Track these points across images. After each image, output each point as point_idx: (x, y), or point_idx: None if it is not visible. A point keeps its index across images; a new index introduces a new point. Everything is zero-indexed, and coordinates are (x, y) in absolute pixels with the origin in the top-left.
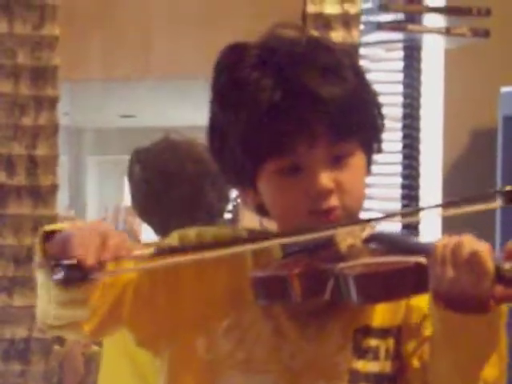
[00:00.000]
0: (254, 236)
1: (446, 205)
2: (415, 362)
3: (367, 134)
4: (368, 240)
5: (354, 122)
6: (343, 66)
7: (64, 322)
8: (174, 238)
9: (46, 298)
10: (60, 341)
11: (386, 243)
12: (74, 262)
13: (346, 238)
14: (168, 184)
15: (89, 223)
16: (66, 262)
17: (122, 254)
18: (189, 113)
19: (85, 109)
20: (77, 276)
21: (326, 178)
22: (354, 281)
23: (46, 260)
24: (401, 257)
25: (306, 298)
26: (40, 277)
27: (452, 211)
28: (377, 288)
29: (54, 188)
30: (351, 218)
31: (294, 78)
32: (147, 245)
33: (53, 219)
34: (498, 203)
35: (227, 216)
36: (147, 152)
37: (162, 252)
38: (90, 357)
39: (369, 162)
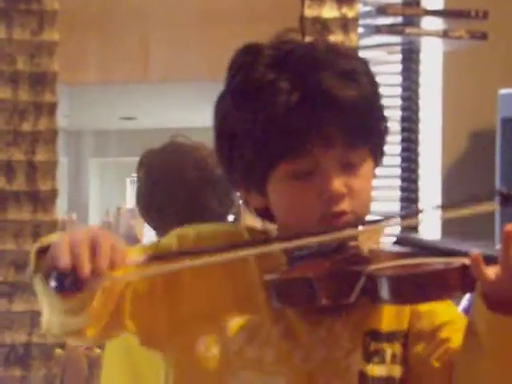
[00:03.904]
0: (257, 239)
1: (448, 206)
2: (435, 363)
3: (377, 141)
4: (389, 243)
5: (368, 128)
6: (359, 72)
7: (67, 330)
8: (172, 237)
9: (47, 308)
10: (61, 344)
11: (409, 245)
12: (67, 271)
13: (366, 241)
14: (170, 188)
15: (84, 230)
16: (58, 271)
17: (115, 261)
18: (189, 114)
19: (85, 111)
20: (71, 285)
21: (338, 182)
22: (393, 282)
23: (41, 270)
24: (434, 258)
25: (332, 300)
26: (38, 287)
27: (453, 213)
28: (418, 289)
29: (53, 193)
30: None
31: (311, 81)
32: (143, 249)
33: (52, 224)
34: (495, 205)
35: (229, 218)
36: (152, 155)
37: (157, 257)
38: (93, 360)
39: (375, 167)
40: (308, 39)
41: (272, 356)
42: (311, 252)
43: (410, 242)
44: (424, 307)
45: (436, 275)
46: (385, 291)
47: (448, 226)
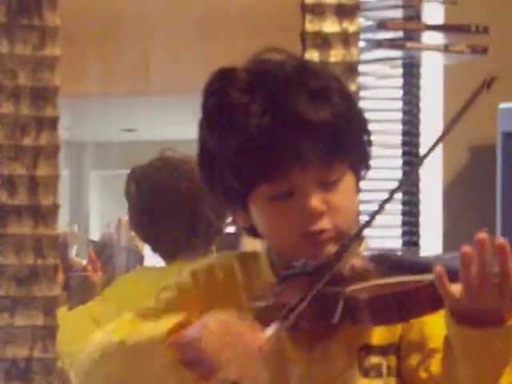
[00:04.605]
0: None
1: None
2: (422, 374)
3: (356, 155)
4: (369, 260)
5: (343, 145)
6: (331, 90)
7: None
8: (184, 277)
9: None
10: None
11: (388, 263)
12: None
13: (347, 259)
14: (163, 203)
15: (218, 326)
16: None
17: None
18: (190, 127)
19: (86, 123)
20: None
21: (317, 201)
22: (367, 304)
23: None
24: (410, 276)
25: (315, 324)
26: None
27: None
28: (393, 310)
29: (54, 208)
30: (343, 238)
31: (282, 103)
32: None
33: (54, 239)
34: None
35: (230, 229)
36: (142, 170)
37: (287, 316)
38: None
39: (358, 180)
40: (292, 56)
41: (268, 381)
42: (297, 272)
43: (386, 260)
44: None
45: (408, 294)
46: (361, 313)
47: (449, 238)
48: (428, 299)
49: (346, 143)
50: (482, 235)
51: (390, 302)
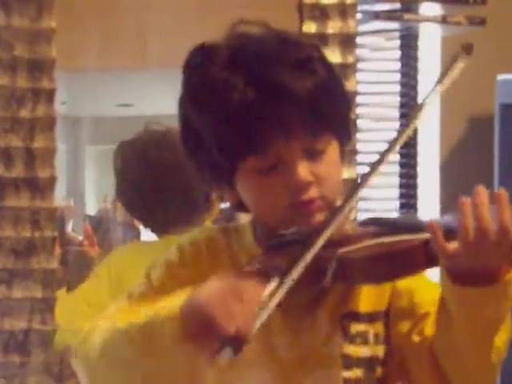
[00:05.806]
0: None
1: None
2: (415, 338)
3: (340, 124)
4: (359, 224)
5: (327, 114)
6: (312, 59)
7: None
8: (172, 253)
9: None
10: None
11: (379, 225)
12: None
13: (338, 226)
14: (149, 175)
15: (218, 286)
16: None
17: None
18: None
19: (82, 98)
20: (240, 347)
21: (304, 171)
22: (360, 263)
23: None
24: (403, 235)
25: (307, 287)
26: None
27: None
28: (385, 268)
29: (52, 180)
30: (330, 206)
31: (265, 75)
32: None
33: (51, 211)
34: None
35: (223, 215)
36: (127, 145)
37: (285, 275)
38: None
39: (342, 149)
40: (271, 29)
41: (253, 350)
42: (286, 240)
43: (376, 222)
44: (402, 285)
45: (402, 253)
46: (354, 272)
47: (447, 205)
48: (421, 258)
49: (331, 112)
50: (481, 187)
51: (382, 260)
